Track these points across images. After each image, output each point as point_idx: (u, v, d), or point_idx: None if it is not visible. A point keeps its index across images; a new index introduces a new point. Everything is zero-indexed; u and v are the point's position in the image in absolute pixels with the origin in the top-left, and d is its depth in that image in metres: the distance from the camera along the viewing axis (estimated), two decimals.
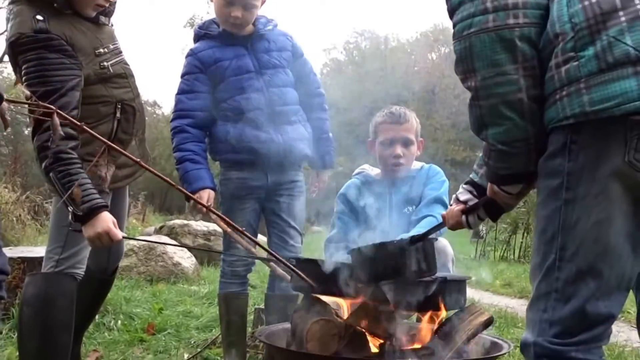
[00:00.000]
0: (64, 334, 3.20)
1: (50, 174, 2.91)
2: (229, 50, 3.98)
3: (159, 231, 11.02)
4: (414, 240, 2.79)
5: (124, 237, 3.14)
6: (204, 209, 3.71)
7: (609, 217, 1.78)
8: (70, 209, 2.89)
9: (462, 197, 2.61)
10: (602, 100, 1.71)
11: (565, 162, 1.81)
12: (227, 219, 3.28)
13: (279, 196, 4.07)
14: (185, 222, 11.21)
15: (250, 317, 4.97)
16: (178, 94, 4.01)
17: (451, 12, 1.95)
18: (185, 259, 8.98)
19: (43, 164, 2.93)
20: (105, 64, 3.20)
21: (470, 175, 2.62)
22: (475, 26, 1.85)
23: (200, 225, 11.07)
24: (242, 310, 4.13)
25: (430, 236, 2.83)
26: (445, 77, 36.63)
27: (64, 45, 3.03)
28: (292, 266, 3.03)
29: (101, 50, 3.22)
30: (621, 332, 5.35)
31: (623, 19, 1.70)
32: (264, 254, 3.40)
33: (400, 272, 2.82)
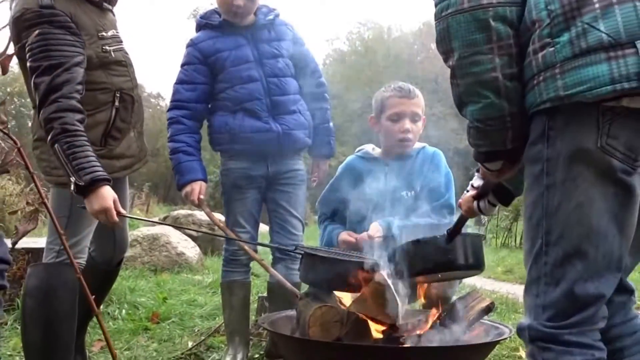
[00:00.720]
0: (67, 324, 3.19)
1: (56, 145, 2.88)
2: (230, 40, 3.96)
3: (163, 221, 11.02)
4: (451, 235, 2.81)
5: (123, 216, 3.12)
6: (197, 201, 3.82)
7: (589, 199, 1.79)
8: (72, 179, 2.86)
9: (476, 183, 2.62)
10: (575, 85, 1.72)
11: (544, 149, 1.84)
12: (214, 217, 3.59)
13: (280, 185, 4.06)
14: (190, 212, 11.21)
15: (254, 306, 4.97)
16: (176, 83, 4.01)
17: None
18: (189, 248, 8.98)
19: (49, 136, 2.89)
20: (107, 48, 3.18)
21: None
22: (452, 7, 1.87)
23: (204, 215, 11.05)
24: (245, 298, 4.12)
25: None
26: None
27: (68, 22, 3.00)
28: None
29: (104, 33, 3.19)
30: None
31: (597, 5, 1.72)
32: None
33: (449, 267, 2.86)
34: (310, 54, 4.24)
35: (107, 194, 2.93)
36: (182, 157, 3.88)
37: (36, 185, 2.65)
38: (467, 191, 2.68)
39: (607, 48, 1.69)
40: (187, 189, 3.85)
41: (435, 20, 1.95)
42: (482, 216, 3.66)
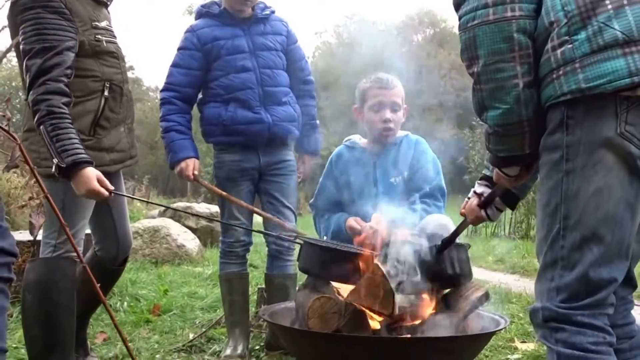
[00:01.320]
0: (68, 317, 3.20)
1: (41, 127, 2.91)
2: (227, 30, 4.04)
3: (163, 213, 11.02)
4: (443, 245, 2.91)
5: (115, 193, 3.15)
6: (191, 177, 3.89)
7: (607, 185, 1.87)
8: (55, 160, 2.89)
9: (479, 190, 2.72)
10: (596, 78, 1.83)
11: (563, 136, 1.92)
12: (212, 186, 3.77)
13: (271, 176, 4.10)
14: (188, 204, 11.24)
15: (254, 297, 4.98)
16: (172, 66, 4.09)
17: (457, 6, 2.08)
18: (189, 240, 8.98)
19: (35, 117, 2.93)
20: (99, 37, 3.22)
21: (483, 171, 2.75)
22: (478, 19, 1.98)
23: (202, 207, 11.09)
24: (244, 289, 4.14)
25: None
26: (431, 57, 36.67)
27: (62, 8, 3.05)
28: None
29: (97, 23, 3.23)
30: None
31: (610, 7, 1.85)
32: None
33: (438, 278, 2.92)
34: (301, 51, 4.31)
35: (90, 174, 2.94)
36: (175, 135, 3.96)
37: (37, 180, 2.67)
38: (468, 198, 2.76)
39: (622, 44, 1.81)
40: (182, 165, 3.92)
41: (461, 31, 2.05)
42: None
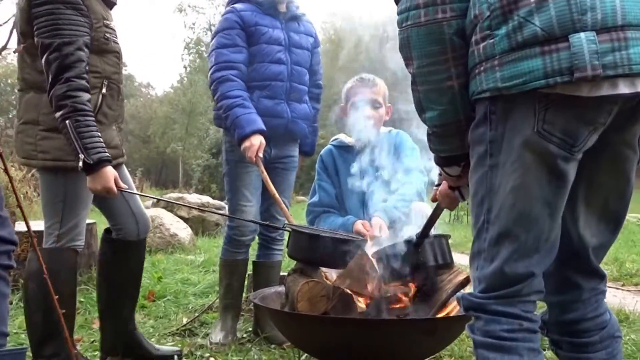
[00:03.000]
0: (68, 305, 3.21)
1: (67, 122, 2.91)
2: (267, 19, 3.96)
3: (156, 204, 11.01)
4: (421, 237, 2.86)
5: (123, 190, 3.18)
6: (254, 158, 3.69)
7: (524, 184, 1.79)
8: (81, 156, 2.91)
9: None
10: (512, 77, 1.72)
11: (487, 131, 1.84)
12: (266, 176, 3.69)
13: (275, 169, 4.04)
14: (180, 195, 11.24)
15: (246, 283, 5.00)
16: (218, 48, 3.90)
17: (396, 2, 1.99)
18: (182, 230, 8.98)
19: (60, 112, 2.93)
20: (108, 36, 3.19)
21: None
22: (410, 20, 1.88)
23: (193, 197, 11.10)
24: (243, 275, 4.15)
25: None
26: None
27: (80, 4, 3.02)
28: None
29: (108, 22, 3.21)
30: None
31: (532, 0, 1.70)
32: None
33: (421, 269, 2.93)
34: (320, 56, 4.28)
35: (110, 173, 3.00)
36: (239, 110, 3.76)
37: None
38: (437, 186, 2.62)
39: (541, 42, 1.68)
40: (246, 143, 3.71)
41: (398, 29, 1.96)
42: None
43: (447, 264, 2.96)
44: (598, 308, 2.07)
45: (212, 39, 4.04)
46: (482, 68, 1.80)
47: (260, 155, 3.73)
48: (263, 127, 3.74)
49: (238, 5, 3.99)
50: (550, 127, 1.73)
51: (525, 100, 1.74)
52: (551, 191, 1.80)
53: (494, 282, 1.86)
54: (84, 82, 2.97)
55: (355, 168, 3.91)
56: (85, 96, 2.97)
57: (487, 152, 1.85)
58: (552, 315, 2.07)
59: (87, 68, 3.02)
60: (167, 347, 3.68)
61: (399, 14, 1.93)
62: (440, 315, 2.89)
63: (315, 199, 4.12)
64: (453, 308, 2.94)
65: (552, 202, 1.81)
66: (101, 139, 2.99)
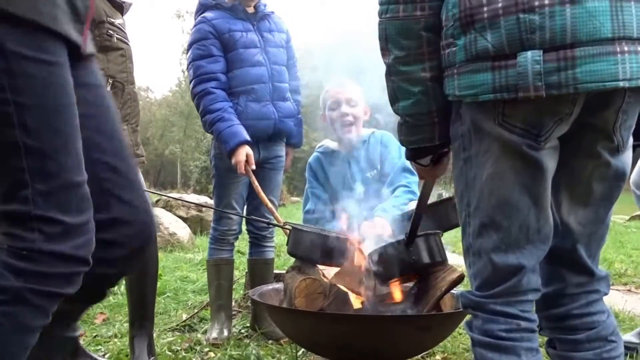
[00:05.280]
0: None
1: None
2: (239, 24, 3.91)
3: (155, 204, 11.00)
4: (410, 238, 2.81)
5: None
6: (244, 173, 3.70)
7: (498, 171, 1.78)
8: None
9: None
10: (467, 88, 1.73)
11: (459, 126, 1.85)
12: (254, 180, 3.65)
13: (263, 170, 4.00)
14: (179, 195, 11.25)
15: (241, 281, 5.01)
16: (195, 60, 3.86)
17: None
18: (181, 229, 9.00)
19: None
20: (111, 32, 3.17)
21: None
22: (389, 13, 1.88)
23: (192, 198, 11.12)
24: (230, 275, 4.15)
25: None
26: None
27: None
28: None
29: (112, 20, 3.19)
30: None
31: (485, 15, 1.69)
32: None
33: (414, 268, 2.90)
34: (293, 50, 4.25)
35: None
36: (221, 125, 3.74)
37: None
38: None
39: (493, 57, 1.68)
40: (234, 160, 3.72)
41: (378, 19, 1.96)
42: (442, 192, 3.68)
43: (441, 261, 2.95)
44: (588, 306, 2.01)
45: (188, 50, 3.98)
46: (447, 73, 1.82)
47: (252, 166, 3.74)
48: (246, 137, 3.73)
49: (208, 14, 3.94)
50: (510, 119, 1.73)
51: (485, 101, 1.75)
52: (528, 177, 1.78)
53: (488, 277, 1.84)
54: None
55: (345, 171, 3.92)
56: None
57: (460, 146, 1.86)
58: (538, 309, 2.01)
59: None
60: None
61: (380, 4, 1.92)
62: (434, 312, 2.89)
63: (310, 206, 4.07)
64: (447, 305, 2.94)
65: (530, 188, 1.79)
66: None
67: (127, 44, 3.31)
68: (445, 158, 2.07)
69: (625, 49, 1.62)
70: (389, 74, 1.96)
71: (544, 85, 1.63)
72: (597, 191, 1.92)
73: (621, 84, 1.62)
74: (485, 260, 1.83)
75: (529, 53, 1.64)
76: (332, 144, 4.11)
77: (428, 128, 1.93)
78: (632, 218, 15.02)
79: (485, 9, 1.69)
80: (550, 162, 1.80)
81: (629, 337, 3.40)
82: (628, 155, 1.89)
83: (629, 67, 1.62)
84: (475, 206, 1.84)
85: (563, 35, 1.61)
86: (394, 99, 1.98)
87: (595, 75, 1.61)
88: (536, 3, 1.62)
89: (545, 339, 2.08)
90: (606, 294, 2.06)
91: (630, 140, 1.89)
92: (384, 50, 1.94)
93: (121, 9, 3.33)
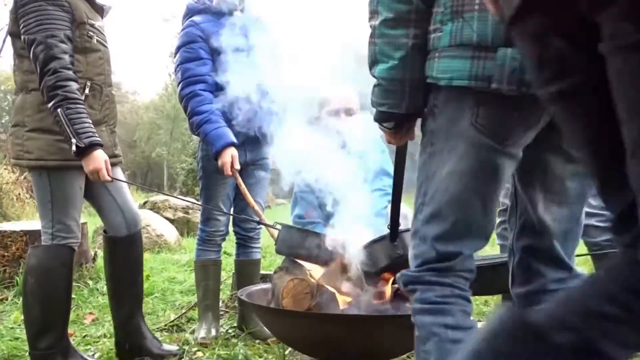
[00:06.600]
0: (64, 300, 3.22)
1: (58, 110, 2.97)
2: (226, 27, 3.86)
3: (142, 206, 10.96)
4: (393, 231, 2.80)
5: (114, 179, 3.22)
6: (230, 174, 3.70)
7: (457, 170, 1.85)
8: (73, 141, 2.96)
9: None
10: (444, 71, 1.82)
11: (430, 122, 1.93)
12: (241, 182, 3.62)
13: (250, 172, 4.00)
14: (166, 197, 11.22)
15: (228, 282, 5.02)
16: (182, 63, 3.85)
17: None
18: (168, 230, 8.98)
19: (52, 102, 2.97)
20: (91, 34, 3.20)
21: None
22: None
23: (178, 201, 11.09)
24: (218, 275, 4.14)
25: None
26: None
27: (61, 1, 3.06)
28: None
29: (92, 22, 3.22)
30: None
31: (477, 7, 1.77)
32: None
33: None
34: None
35: (101, 155, 3.05)
36: (208, 127, 3.73)
37: None
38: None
39: (474, 47, 1.77)
40: (220, 162, 3.70)
41: None
42: None
43: None
44: None
45: (176, 54, 3.98)
46: (430, 55, 1.88)
47: (237, 167, 3.72)
48: (232, 139, 3.73)
49: (197, 18, 3.93)
50: (483, 121, 1.81)
51: (463, 94, 1.82)
52: (483, 181, 1.87)
53: (428, 258, 1.92)
54: (70, 72, 3.03)
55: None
56: (74, 85, 3.03)
57: (428, 141, 1.93)
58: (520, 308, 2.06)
59: (72, 59, 3.06)
60: (170, 347, 3.64)
61: None
62: None
63: (298, 210, 4.07)
64: None
65: (483, 191, 1.88)
66: (92, 125, 3.04)
67: (106, 47, 3.34)
68: (411, 128, 2.13)
69: None
70: (373, 36, 1.99)
71: (517, 82, 1.72)
72: (570, 188, 1.98)
73: None
74: (429, 246, 1.92)
75: (509, 50, 1.73)
76: None
77: (398, 95, 1.97)
78: None
79: (477, 0, 1.77)
80: (508, 168, 1.89)
81: None
82: None
83: None
84: (430, 197, 1.92)
85: None
86: (373, 62, 2.01)
87: None
88: None
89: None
90: None
91: None
92: (373, 13, 1.97)
93: (101, 11, 3.36)
